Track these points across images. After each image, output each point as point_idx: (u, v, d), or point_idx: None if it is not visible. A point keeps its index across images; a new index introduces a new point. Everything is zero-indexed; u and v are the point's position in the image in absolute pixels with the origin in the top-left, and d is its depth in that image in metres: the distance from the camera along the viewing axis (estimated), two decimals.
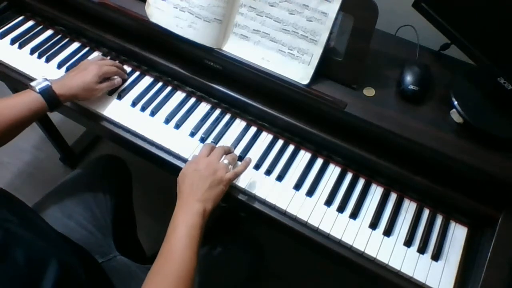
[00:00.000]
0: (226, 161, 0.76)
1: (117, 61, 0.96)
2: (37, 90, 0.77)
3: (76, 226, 0.87)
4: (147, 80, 0.96)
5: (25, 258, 0.53)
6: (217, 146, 0.82)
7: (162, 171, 0.93)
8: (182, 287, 0.61)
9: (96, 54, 1.01)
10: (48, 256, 0.58)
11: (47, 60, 0.98)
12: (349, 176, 0.84)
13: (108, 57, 1.00)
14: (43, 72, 0.96)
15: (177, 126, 0.88)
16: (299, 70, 0.81)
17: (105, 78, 0.88)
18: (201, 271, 0.85)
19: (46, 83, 0.79)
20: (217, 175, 0.73)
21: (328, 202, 0.80)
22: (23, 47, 1.00)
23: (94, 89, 0.85)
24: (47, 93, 0.78)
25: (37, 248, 0.58)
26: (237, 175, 0.77)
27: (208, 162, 0.75)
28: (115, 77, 0.91)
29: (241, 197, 0.81)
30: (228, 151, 0.81)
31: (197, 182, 0.71)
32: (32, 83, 0.78)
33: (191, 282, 0.62)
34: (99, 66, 0.86)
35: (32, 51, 0.99)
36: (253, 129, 0.89)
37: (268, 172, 0.83)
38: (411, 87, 0.81)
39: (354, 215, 0.79)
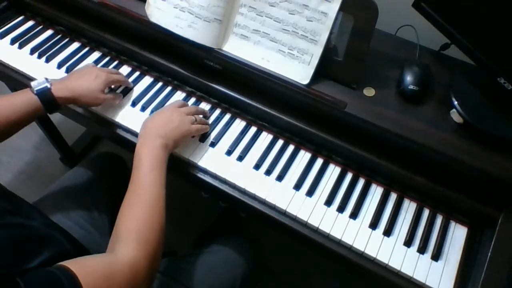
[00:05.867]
0: (193, 118, 0.81)
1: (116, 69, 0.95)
2: (35, 92, 0.75)
3: (74, 225, 0.87)
4: (147, 80, 0.96)
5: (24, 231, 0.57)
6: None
7: None
8: (157, 212, 0.65)
9: (96, 54, 1.01)
10: (45, 237, 0.60)
11: (47, 60, 0.98)
12: (349, 176, 0.84)
13: (108, 57, 1.00)
14: (43, 72, 0.95)
15: None
16: (299, 70, 0.81)
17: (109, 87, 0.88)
18: (201, 270, 0.86)
19: (45, 85, 0.76)
20: (182, 123, 0.78)
21: (328, 202, 0.80)
22: (23, 47, 1.00)
23: (97, 97, 0.82)
24: (45, 95, 0.76)
25: (32, 230, 0.60)
26: (198, 131, 0.83)
27: (178, 112, 0.80)
28: (118, 91, 0.92)
29: (241, 197, 0.81)
30: (201, 113, 0.87)
31: (161, 122, 0.76)
32: (32, 83, 0.76)
33: (164, 207, 0.67)
34: (108, 73, 0.85)
35: (32, 51, 0.99)
36: (253, 129, 0.89)
37: (268, 172, 0.83)
38: (411, 87, 0.81)
39: (354, 215, 0.79)
